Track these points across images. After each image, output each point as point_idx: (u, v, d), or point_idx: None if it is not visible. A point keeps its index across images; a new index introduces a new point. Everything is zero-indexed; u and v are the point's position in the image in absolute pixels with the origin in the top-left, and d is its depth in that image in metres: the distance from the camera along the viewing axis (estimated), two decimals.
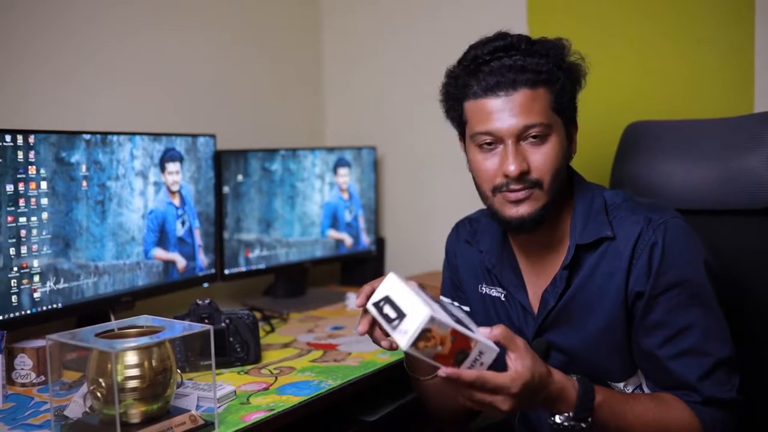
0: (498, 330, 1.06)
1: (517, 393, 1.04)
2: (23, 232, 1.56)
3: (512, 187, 1.24)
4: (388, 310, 1.07)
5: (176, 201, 1.96)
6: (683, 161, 1.63)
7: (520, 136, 1.23)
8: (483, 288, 1.42)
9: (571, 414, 1.12)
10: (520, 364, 1.06)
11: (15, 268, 1.55)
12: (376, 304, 1.10)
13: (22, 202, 1.55)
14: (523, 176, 1.23)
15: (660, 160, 1.66)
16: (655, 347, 1.23)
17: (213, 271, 2.09)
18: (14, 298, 1.55)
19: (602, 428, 1.15)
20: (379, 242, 2.57)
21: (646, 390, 1.29)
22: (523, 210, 1.25)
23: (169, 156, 1.93)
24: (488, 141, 1.25)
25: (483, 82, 1.23)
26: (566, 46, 1.28)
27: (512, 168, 1.22)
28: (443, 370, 1.01)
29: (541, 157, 1.23)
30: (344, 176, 2.44)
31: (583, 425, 1.12)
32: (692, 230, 1.27)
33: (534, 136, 1.23)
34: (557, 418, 1.13)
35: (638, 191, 1.56)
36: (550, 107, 1.24)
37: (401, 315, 1.04)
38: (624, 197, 1.32)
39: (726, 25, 1.87)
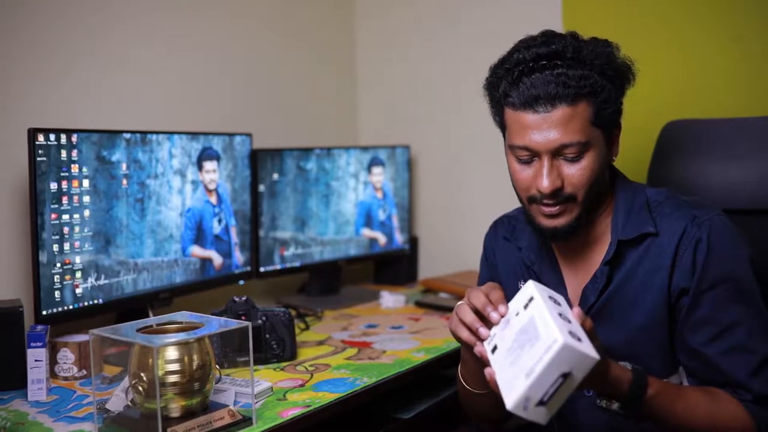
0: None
1: None
2: (66, 229, 1.59)
3: (546, 201, 1.25)
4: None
5: (213, 199, 1.98)
6: (723, 160, 1.61)
7: (556, 153, 1.22)
8: (522, 285, 1.42)
9: (618, 405, 1.14)
10: None
11: (58, 265, 1.58)
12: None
13: (65, 199, 1.59)
14: (557, 192, 1.23)
15: (699, 159, 1.64)
16: (702, 345, 1.23)
17: (249, 268, 2.12)
18: (57, 294, 1.59)
19: (650, 417, 1.16)
20: (413, 241, 2.58)
21: None
22: (557, 223, 1.26)
23: (206, 155, 1.95)
24: (525, 157, 1.25)
25: (522, 95, 1.21)
26: (615, 50, 1.25)
27: (545, 185, 1.22)
28: None
29: (576, 173, 1.23)
30: (378, 175, 2.45)
31: (628, 415, 1.13)
32: (736, 227, 1.26)
33: (570, 156, 1.22)
34: (605, 404, 1.14)
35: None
36: (589, 122, 1.22)
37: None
38: (667, 195, 1.32)
39: (763, 20, 1.84)
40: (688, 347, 1.25)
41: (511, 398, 0.98)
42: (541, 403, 0.97)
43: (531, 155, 1.24)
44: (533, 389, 0.97)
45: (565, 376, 0.97)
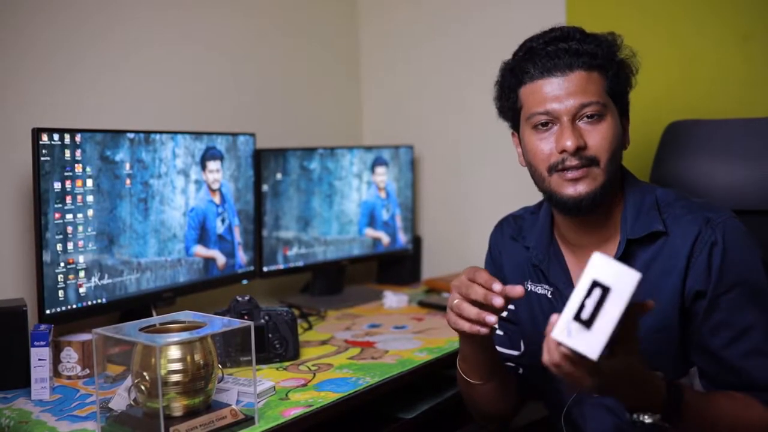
0: None
1: (604, 373, 0.99)
2: (69, 229, 1.60)
3: (568, 164, 1.24)
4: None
5: (216, 199, 1.99)
6: (726, 161, 1.60)
7: (576, 114, 1.24)
8: (528, 285, 1.41)
9: (658, 416, 1.08)
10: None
11: (62, 264, 1.59)
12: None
13: (68, 199, 1.59)
14: (579, 152, 1.23)
15: (702, 159, 1.64)
16: (719, 348, 1.22)
17: (252, 268, 2.12)
18: (61, 293, 1.59)
19: (686, 423, 1.12)
20: (416, 241, 2.58)
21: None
22: (580, 188, 1.25)
23: (210, 154, 1.96)
24: (544, 121, 1.25)
25: (539, 64, 1.25)
26: (619, 41, 1.30)
27: (569, 143, 1.22)
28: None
29: (597, 135, 1.24)
30: (382, 175, 2.45)
31: (667, 425, 1.09)
32: (748, 230, 1.26)
33: (590, 116, 1.24)
34: (646, 418, 1.09)
35: None
36: (604, 90, 1.25)
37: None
38: (677, 195, 1.32)
39: None
40: (705, 350, 1.24)
41: (557, 327, 0.95)
42: (581, 321, 0.94)
43: (550, 120, 1.25)
44: (572, 305, 0.94)
45: (603, 288, 0.94)
